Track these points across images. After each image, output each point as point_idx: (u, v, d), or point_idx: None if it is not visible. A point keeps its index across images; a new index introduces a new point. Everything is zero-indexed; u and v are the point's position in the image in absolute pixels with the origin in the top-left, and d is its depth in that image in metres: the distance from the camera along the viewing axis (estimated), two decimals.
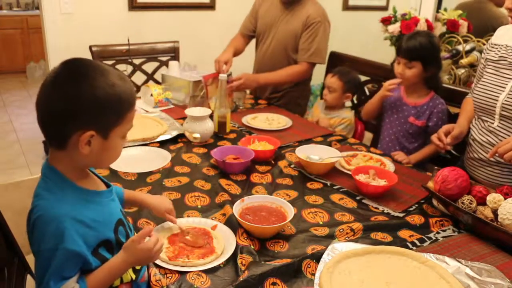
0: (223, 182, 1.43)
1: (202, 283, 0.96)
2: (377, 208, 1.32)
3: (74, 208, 0.83)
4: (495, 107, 1.47)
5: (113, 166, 1.48)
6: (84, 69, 0.82)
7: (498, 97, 1.46)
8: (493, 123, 1.49)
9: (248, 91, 2.44)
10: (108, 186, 0.98)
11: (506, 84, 1.46)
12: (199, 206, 1.29)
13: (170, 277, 0.98)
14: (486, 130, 1.52)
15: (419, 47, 1.73)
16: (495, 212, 1.20)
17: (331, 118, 2.20)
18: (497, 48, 1.54)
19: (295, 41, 2.29)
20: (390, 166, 1.58)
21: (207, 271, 1.00)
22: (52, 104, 0.81)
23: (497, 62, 1.52)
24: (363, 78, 2.39)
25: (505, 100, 1.44)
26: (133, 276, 0.95)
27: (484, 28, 2.85)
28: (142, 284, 0.99)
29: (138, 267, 0.97)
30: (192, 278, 0.97)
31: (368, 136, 2.43)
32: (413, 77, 1.78)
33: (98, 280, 0.86)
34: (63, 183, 0.86)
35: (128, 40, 2.49)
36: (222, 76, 1.81)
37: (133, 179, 1.43)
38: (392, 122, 1.91)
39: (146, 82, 2.57)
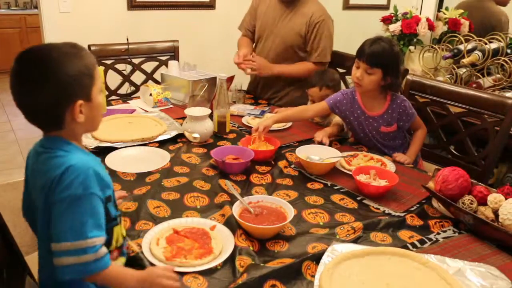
0: (222, 182, 1.42)
1: (199, 285, 0.95)
2: (378, 209, 1.31)
3: (92, 160, 0.94)
4: None
5: (112, 166, 1.47)
6: (39, 56, 0.90)
7: None
8: None
9: (243, 88, 2.43)
10: None
11: None
12: (198, 207, 1.28)
13: None
14: None
15: (382, 52, 1.64)
16: (496, 212, 1.19)
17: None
18: None
19: (299, 39, 2.28)
20: (391, 166, 1.57)
21: (204, 273, 0.99)
22: (34, 100, 0.89)
23: None
24: None
25: None
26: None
27: (484, 26, 2.84)
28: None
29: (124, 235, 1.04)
30: (189, 280, 0.96)
31: None
32: (371, 84, 1.67)
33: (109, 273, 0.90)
34: (69, 146, 0.93)
35: (127, 39, 2.48)
36: (222, 76, 1.80)
37: (132, 179, 1.42)
38: (366, 135, 1.80)
39: (145, 81, 2.56)
